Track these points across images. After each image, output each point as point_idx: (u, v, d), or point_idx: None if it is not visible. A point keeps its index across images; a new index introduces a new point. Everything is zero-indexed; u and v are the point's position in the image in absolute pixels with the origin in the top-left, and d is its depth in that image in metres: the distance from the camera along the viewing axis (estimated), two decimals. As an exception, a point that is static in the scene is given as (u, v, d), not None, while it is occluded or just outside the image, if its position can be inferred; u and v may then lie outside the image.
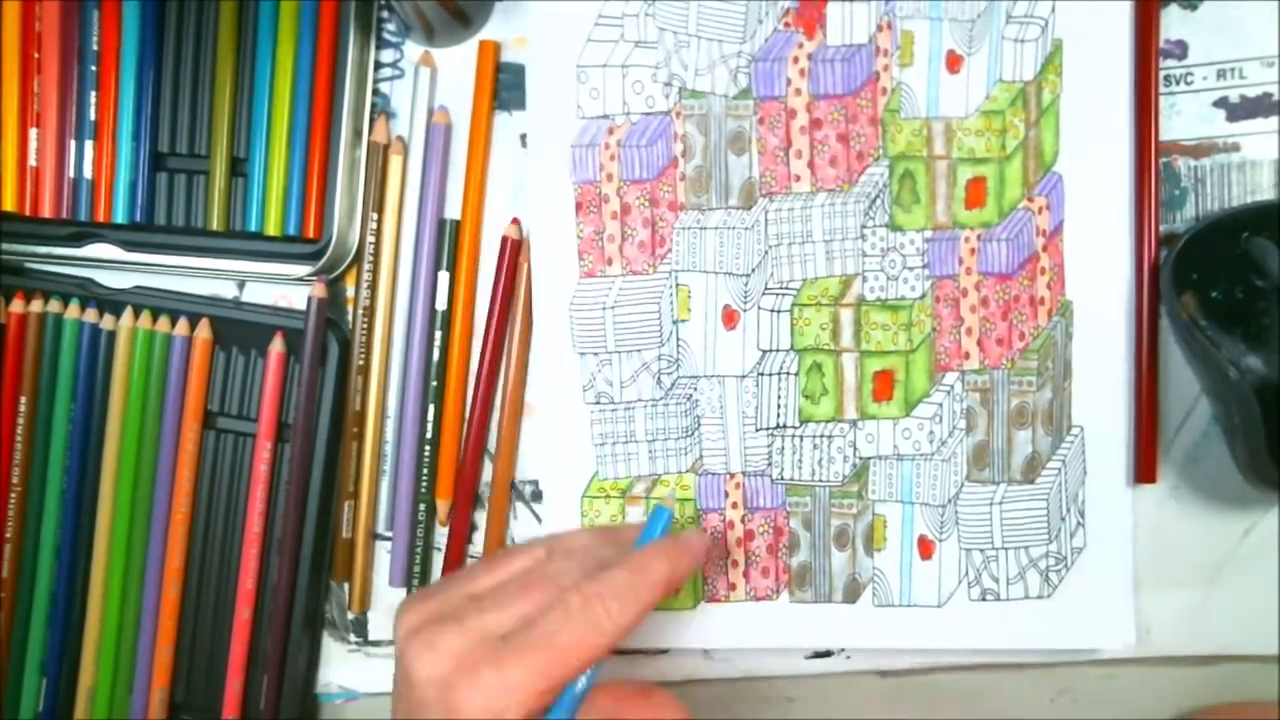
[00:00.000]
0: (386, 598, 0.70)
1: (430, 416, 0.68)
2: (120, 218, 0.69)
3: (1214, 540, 0.66)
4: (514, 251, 0.68)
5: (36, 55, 0.69)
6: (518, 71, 0.68)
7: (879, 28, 0.65)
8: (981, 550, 0.66)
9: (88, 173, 0.69)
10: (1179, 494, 0.66)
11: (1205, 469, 0.66)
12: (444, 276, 0.68)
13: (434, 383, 0.68)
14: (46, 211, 0.69)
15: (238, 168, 0.69)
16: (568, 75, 0.67)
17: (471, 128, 0.68)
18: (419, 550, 0.69)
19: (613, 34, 0.66)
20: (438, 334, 0.68)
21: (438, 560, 0.70)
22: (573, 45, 0.66)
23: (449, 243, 0.68)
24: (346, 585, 0.70)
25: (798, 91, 0.65)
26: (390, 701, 0.58)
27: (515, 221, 0.68)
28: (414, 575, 0.69)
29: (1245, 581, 0.66)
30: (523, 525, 0.69)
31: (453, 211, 0.69)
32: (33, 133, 0.69)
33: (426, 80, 0.68)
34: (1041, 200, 0.65)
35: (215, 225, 0.68)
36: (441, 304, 0.68)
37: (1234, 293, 0.61)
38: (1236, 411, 0.61)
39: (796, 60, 0.65)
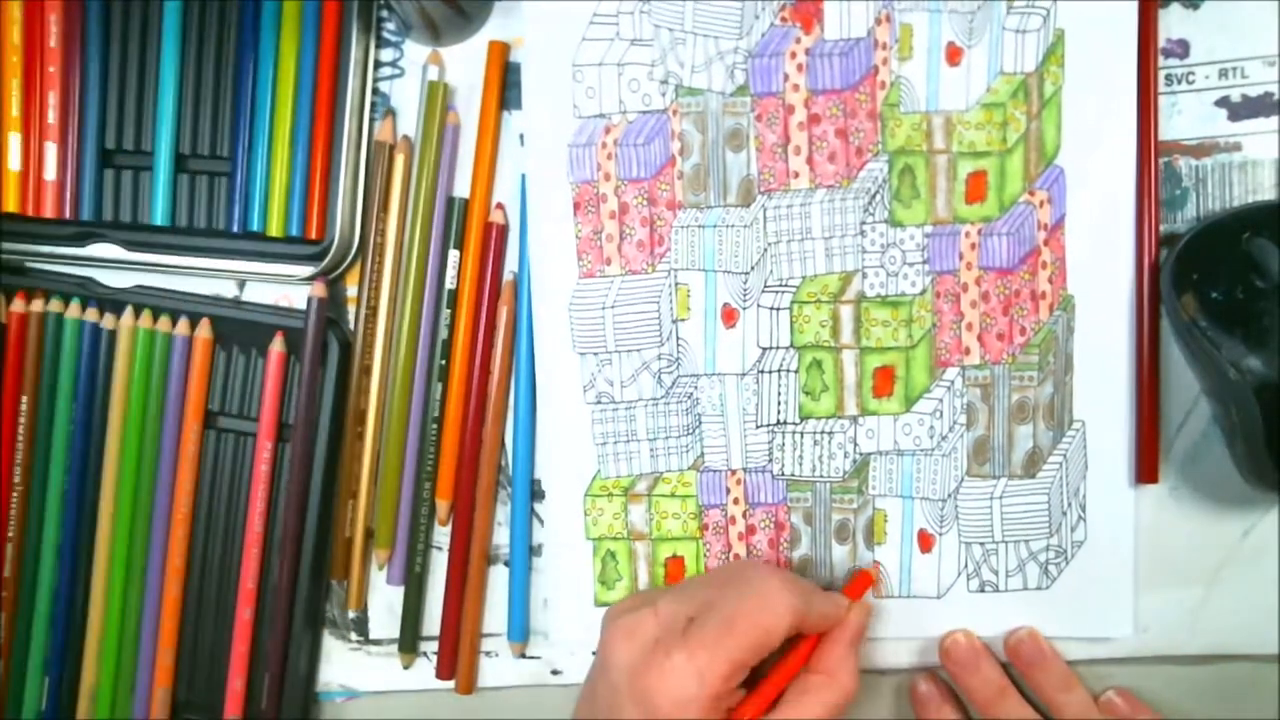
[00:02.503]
0: (386, 596, 0.70)
1: (435, 408, 0.68)
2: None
3: (1214, 540, 0.66)
4: (499, 237, 0.68)
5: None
6: (516, 70, 0.68)
7: (877, 21, 0.65)
8: (981, 544, 0.66)
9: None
10: (1179, 494, 0.66)
11: (1205, 469, 0.66)
12: (453, 255, 0.68)
13: (441, 362, 0.68)
14: (48, 211, 0.69)
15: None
16: (564, 74, 0.66)
17: (480, 120, 0.68)
18: (420, 550, 0.69)
19: (608, 32, 0.66)
20: (446, 312, 0.68)
21: (438, 560, 0.70)
22: (568, 44, 0.66)
23: (457, 221, 0.68)
24: (346, 583, 0.70)
25: (795, 87, 0.65)
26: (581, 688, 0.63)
27: (500, 206, 0.68)
28: (413, 574, 0.69)
29: (1245, 581, 0.66)
30: (531, 525, 0.69)
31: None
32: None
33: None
34: (1043, 194, 0.65)
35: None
36: (450, 283, 0.68)
37: (1234, 293, 0.61)
38: (1236, 412, 0.61)
39: (794, 55, 0.65)
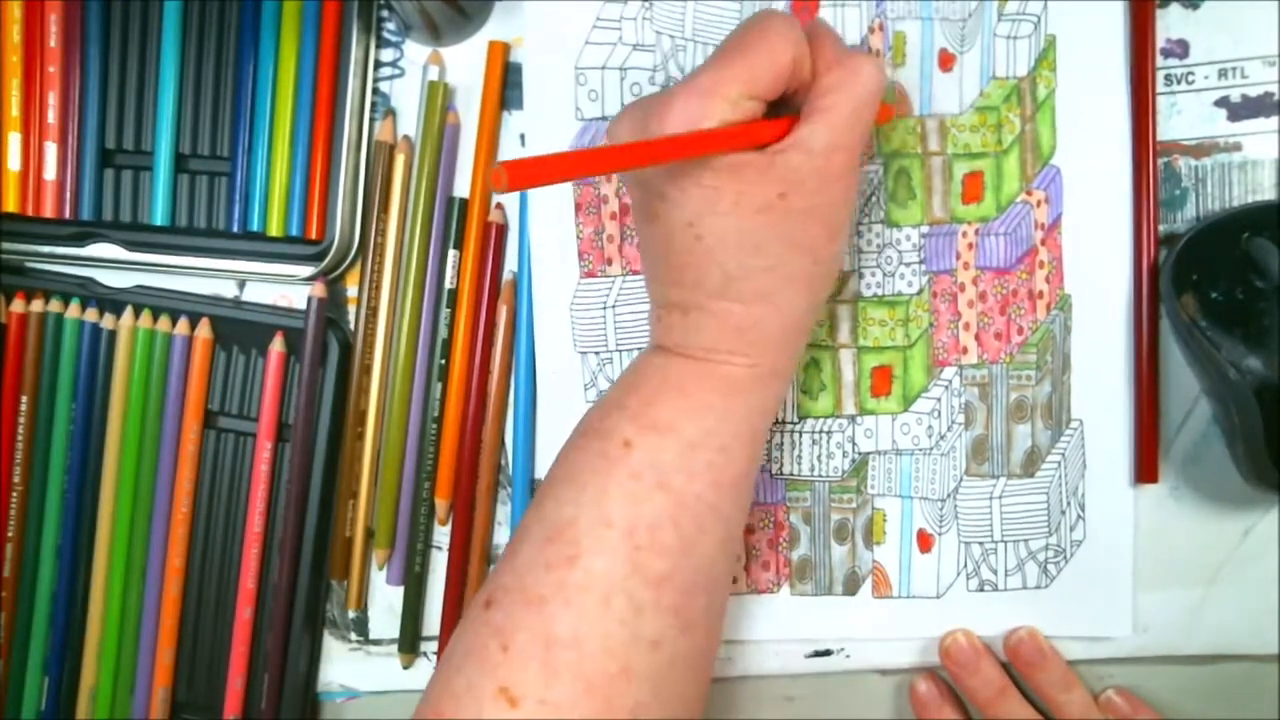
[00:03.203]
0: (386, 595, 0.70)
1: (434, 408, 0.68)
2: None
3: (1214, 540, 0.66)
4: (498, 236, 0.68)
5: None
6: (517, 71, 0.68)
7: (870, 30, 0.65)
8: (980, 543, 0.66)
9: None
10: (1179, 494, 0.66)
11: (1205, 469, 0.66)
12: (453, 255, 0.68)
13: (440, 362, 0.68)
14: (48, 211, 0.69)
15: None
16: (567, 77, 0.67)
17: (480, 120, 0.68)
18: (420, 550, 0.69)
19: (611, 36, 0.66)
20: (446, 311, 0.68)
21: (438, 560, 0.70)
22: (571, 47, 0.67)
23: (457, 221, 0.68)
24: (346, 583, 0.70)
25: (792, 92, 0.65)
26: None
27: (499, 206, 0.68)
28: (413, 574, 0.69)
29: (1245, 581, 0.66)
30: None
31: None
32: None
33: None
34: (1040, 193, 0.65)
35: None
36: (450, 282, 0.68)
37: (1234, 293, 0.61)
38: (1236, 412, 0.61)
39: (791, 61, 0.65)
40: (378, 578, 0.70)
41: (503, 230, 0.68)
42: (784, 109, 0.55)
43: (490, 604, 0.53)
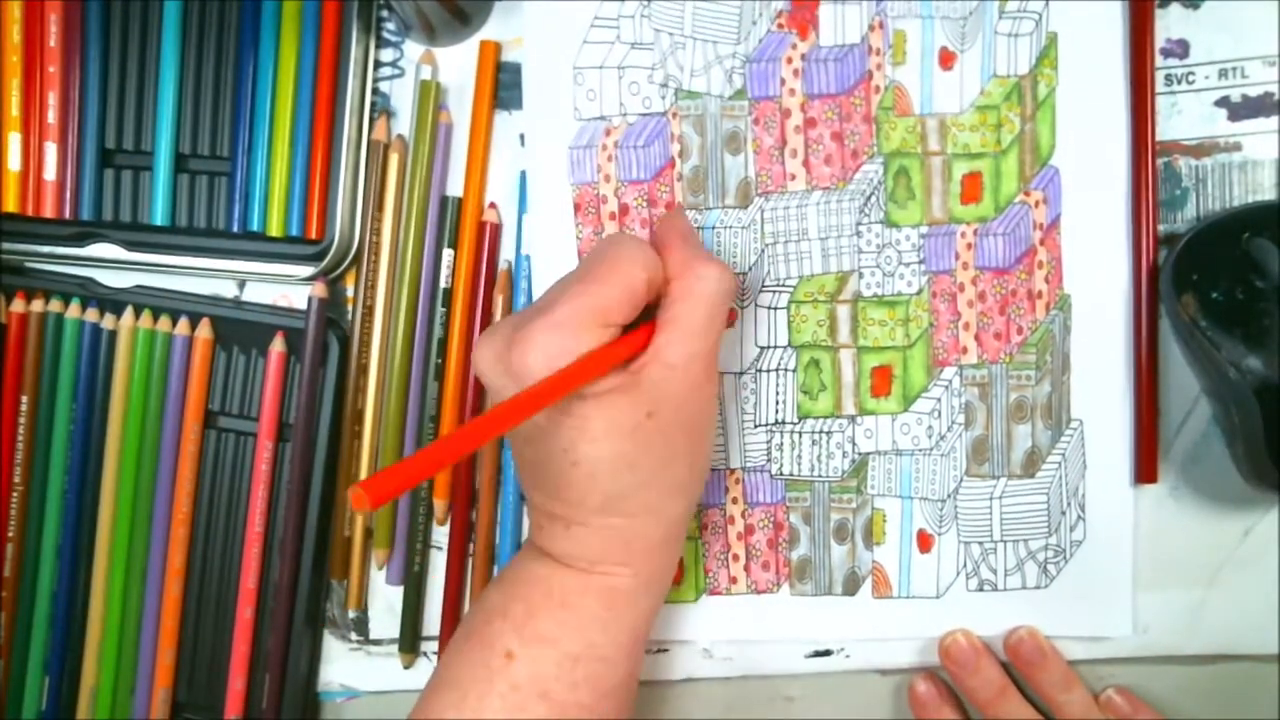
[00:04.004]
0: (386, 595, 0.70)
1: (431, 407, 0.68)
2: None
3: (1214, 540, 0.66)
4: (493, 235, 0.68)
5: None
6: (516, 71, 0.68)
7: (871, 27, 0.65)
8: (980, 543, 0.66)
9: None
10: (1179, 494, 0.66)
11: (1205, 469, 0.66)
12: (448, 254, 0.68)
13: (438, 360, 0.68)
14: (48, 211, 0.69)
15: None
16: (564, 77, 0.67)
17: (473, 120, 0.68)
18: (419, 549, 0.69)
19: (609, 35, 0.66)
20: (441, 310, 0.68)
21: (437, 559, 0.70)
22: (569, 47, 0.67)
23: (451, 219, 0.68)
24: (346, 583, 0.70)
25: (792, 91, 0.65)
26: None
27: (493, 205, 0.68)
28: (412, 574, 0.69)
29: (1245, 581, 0.66)
30: (524, 525, 0.69)
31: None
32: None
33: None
34: (1038, 194, 0.65)
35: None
36: (445, 281, 0.68)
37: (1234, 293, 0.60)
38: (1236, 412, 0.61)
39: (790, 60, 0.65)
40: (377, 578, 0.70)
41: (497, 229, 0.68)
42: (643, 315, 0.56)
43: None
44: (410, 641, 0.70)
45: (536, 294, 0.67)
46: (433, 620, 0.70)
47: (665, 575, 0.59)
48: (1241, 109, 0.65)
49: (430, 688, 0.58)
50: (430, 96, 0.68)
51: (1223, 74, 0.65)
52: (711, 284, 0.55)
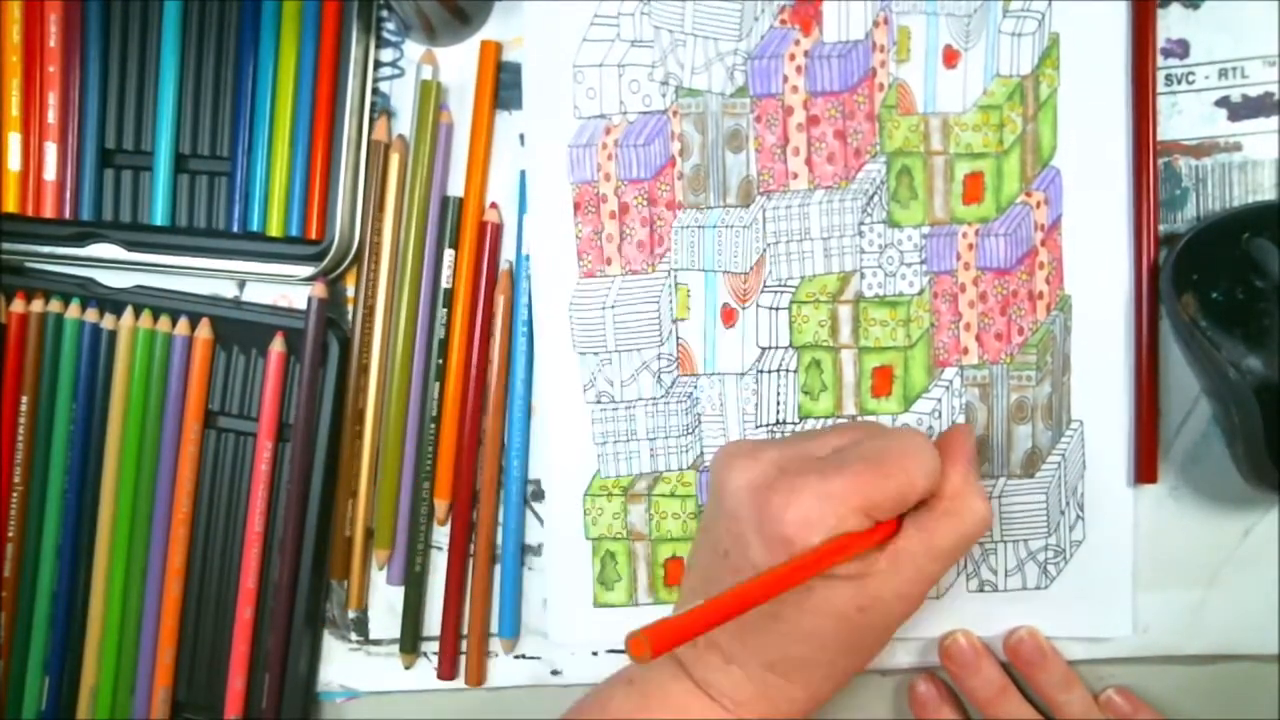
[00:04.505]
0: (386, 595, 0.70)
1: (432, 407, 0.68)
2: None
3: (1214, 540, 0.66)
4: (494, 235, 0.68)
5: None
6: (516, 71, 0.68)
7: (875, 24, 0.65)
8: (980, 543, 0.66)
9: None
10: (1179, 494, 0.66)
11: (1205, 469, 0.66)
12: (449, 254, 0.68)
13: (439, 360, 0.68)
14: (48, 211, 0.69)
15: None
16: (564, 75, 0.67)
17: (473, 119, 0.68)
18: (420, 550, 0.69)
19: (609, 33, 0.66)
20: (442, 311, 0.68)
21: (438, 560, 0.70)
22: (569, 45, 0.66)
23: (451, 219, 0.68)
24: (346, 583, 0.70)
25: (794, 89, 0.65)
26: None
27: (493, 205, 0.68)
28: (413, 575, 0.69)
29: (1245, 581, 0.66)
30: (524, 525, 0.69)
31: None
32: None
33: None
34: (1039, 195, 0.65)
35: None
36: (446, 281, 0.68)
37: (1234, 293, 0.60)
38: (1236, 412, 0.61)
39: (793, 57, 0.65)
40: (378, 578, 0.70)
41: (498, 229, 0.68)
42: None
43: None
44: (411, 642, 0.70)
45: (537, 293, 0.67)
46: (433, 621, 0.70)
47: None
48: (1241, 109, 0.65)
49: None
50: (431, 96, 0.68)
51: (1223, 74, 0.65)
52: (974, 523, 0.56)
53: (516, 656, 0.70)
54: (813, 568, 0.52)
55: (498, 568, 0.69)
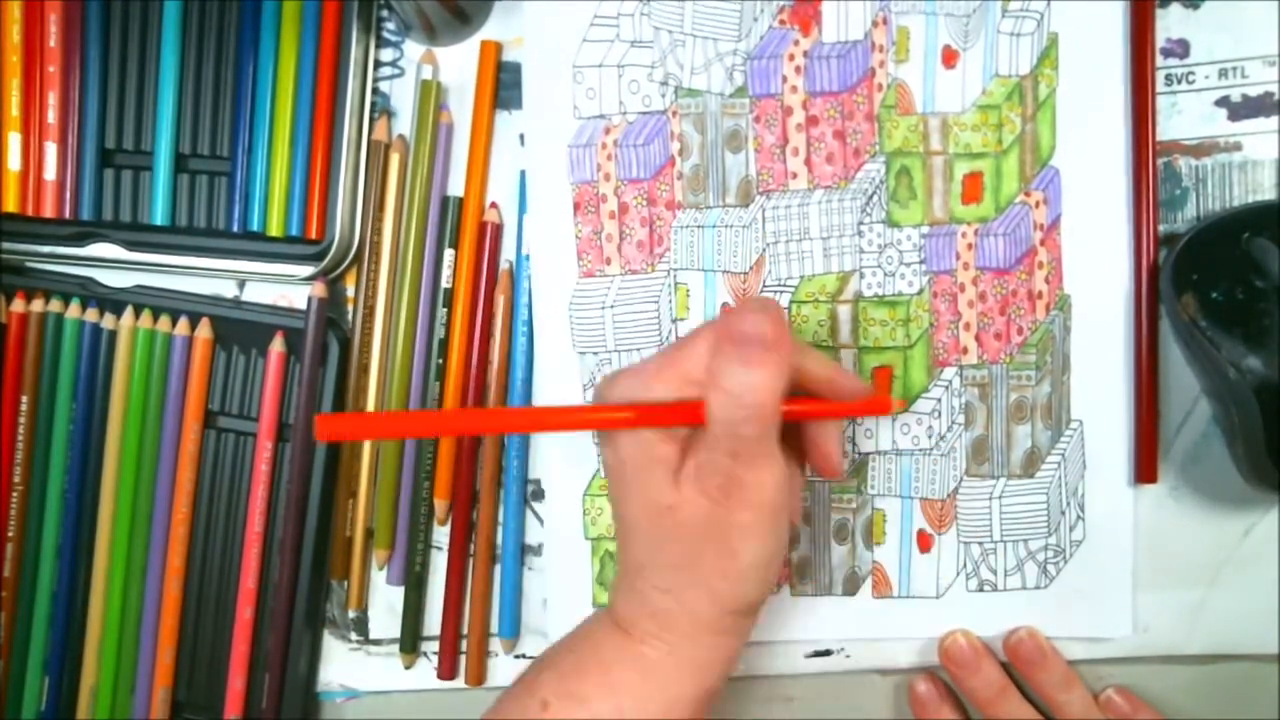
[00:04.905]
0: (386, 595, 0.70)
1: (431, 405, 0.68)
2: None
3: (1214, 540, 0.66)
4: (494, 235, 0.68)
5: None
6: (516, 70, 0.68)
7: (874, 24, 0.65)
8: (980, 543, 0.66)
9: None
10: (1179, 494, 0.66)
11: (1205, 469, 0.66)
12: (449, 254, 0.68)
13: (439, 360, 0.68)
14: (48, 211, 0.69)
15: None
16: (564, 75, 0.67)
17: (473, 119, 0.68)
18: (420, 550, 0.69)
19: (608, 34, 0.66)
20: (442, 311, 0.68)
21: (438, 560, 0.70)
22: (569, 45, 0.67)
23: (452, 219, 0.68)
24: (346, 583, 0.70)
25: (794, 89, 0.65)
26: None
27: (493, 205, 0.68)
28: (413, 574, 0.69)
29: (1245, 581, 0.66)
30: (525, 525, 0.69)
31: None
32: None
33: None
34: (1039, 194, 0.65)
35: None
36: (447, 281, 0.68)
37: (1234, 293, 0.60)
38: (1236, 412, 0.61)
39: (792, 58, 0.65)
40: (378, 578, 0.70)
41: (498, 229, 0.68)
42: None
43: None
44: (411, 642, 0.70)
45: (537, 293, 0.67)
46: (433, 621, 0.70)
47: (708, 667, 0.57)
48: (1241, 109, 0.65)
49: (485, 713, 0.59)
50: (431, 96, 0.68)
51: (1223, 74, 0.65)
52: (724, 397, 0.52)
53: (517, 656, 0.70)
54: (594, 417, 0.54)
55: (498, 568, 0.69)
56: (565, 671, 0.57)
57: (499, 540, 0.69)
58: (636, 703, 0.56)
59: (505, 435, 0.69)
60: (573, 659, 0.57)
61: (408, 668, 0.70)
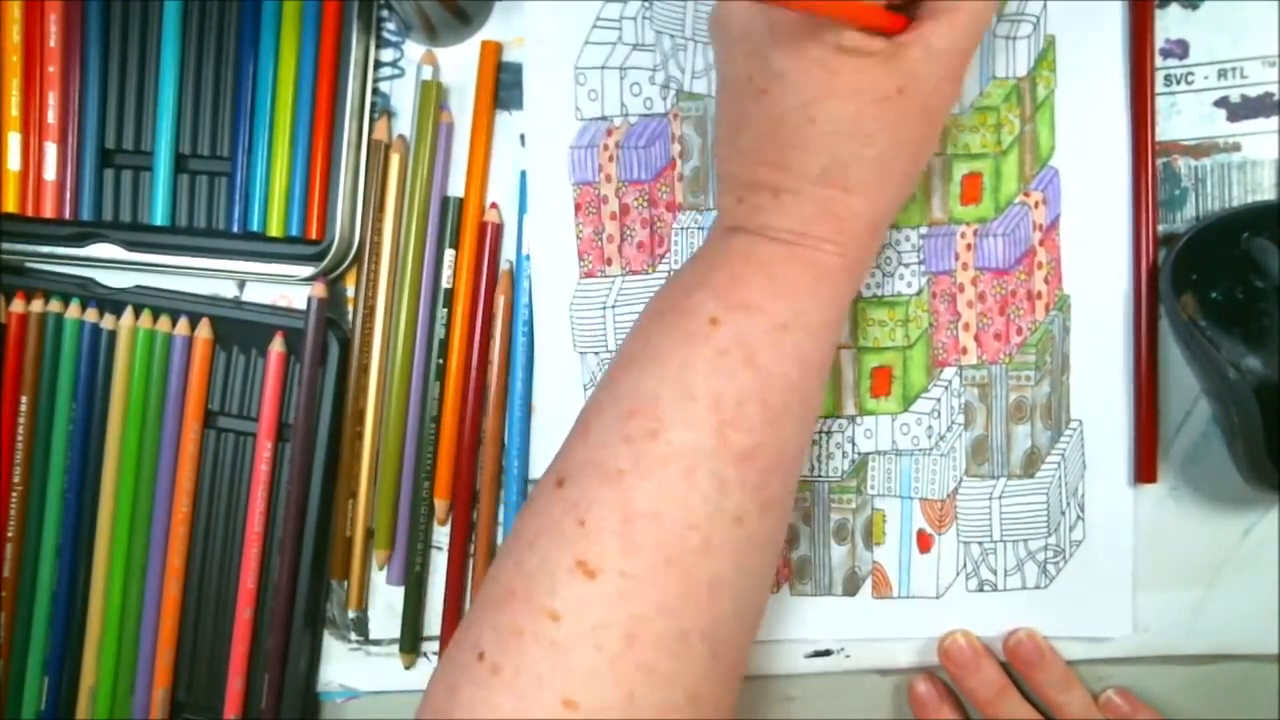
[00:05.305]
0: (386, 596, 0.70)
1: (433, 407, 0.68)
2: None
3: (1214, 540, 0.66)
4: (494, 235, 0.68)
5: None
6: (516, 71, 0.68)
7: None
8: (980, 543, 0.66)
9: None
10: (1179, 494, 0.66)
11: (1205, 469, 0.66)
12: (450, 254, 0.68)
13: (439, 360, 0.68)
14: (48, 211, 0.69)
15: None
16: (566, 77, 0.67)
17: (474, 120, 0.68)
18: (420, 550, 0.69)
19: (611, 36, 0.66)
20: (442, 311, 0.68)
21: (438, 560, 0.70)
22: (571, 47, 0.67)
23: (452, 220, 0.68)
24: (346, 583, 0.70)
25: (794, 90, 0.65)
26: None
27: (494, 206, 0.68)
28: (413, 574, 0.69)
29: (1245, 581, 0.66)
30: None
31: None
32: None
33: (431, 74, 0.68)
34: (1038, 195, 0.65)
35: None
36: (447, 281, 0.68)
37: (1234, 293, 0.60)
38: (1236, 412, 0.61)
39: (793, 59, 0.65)
40: (378, 578, 0.70)
41: (498, 229, 0.68)
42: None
43: (563, 482, 0.53)
44: (411, 642, 0.70)
45: (538, 294, 0.68)
46: (433, 620, 0.70)
47: (866, 265, 0.56)
48: (1241, 109, 0.65)
49: (620, 360, 0.56)
50: (432, 97, 0.68)
51: (1222, 74, 0.65)
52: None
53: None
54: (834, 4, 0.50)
55: (497, 567, 0.70)
56: (721, 288, 0.54)
57: (499, 540, 0.69)
58: (810, 305, 0.54)
59: (505, 435, 0.69)
60: (725, 275, 0.54)
61: (408, 668, 0.70)
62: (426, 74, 0.68)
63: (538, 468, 0.69)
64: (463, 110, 0.69)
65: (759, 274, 0.54)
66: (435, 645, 0.70)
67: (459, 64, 0.69)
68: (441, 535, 0.70)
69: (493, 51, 0.68)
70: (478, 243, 0.68)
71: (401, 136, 0.68)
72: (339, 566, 0.70)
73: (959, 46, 0.53)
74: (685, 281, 0.55)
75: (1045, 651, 0.65)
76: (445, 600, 0.69)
